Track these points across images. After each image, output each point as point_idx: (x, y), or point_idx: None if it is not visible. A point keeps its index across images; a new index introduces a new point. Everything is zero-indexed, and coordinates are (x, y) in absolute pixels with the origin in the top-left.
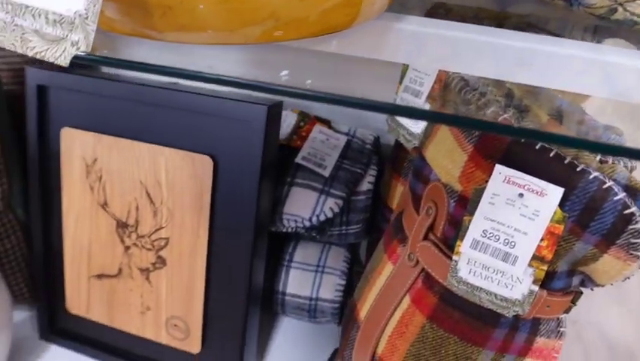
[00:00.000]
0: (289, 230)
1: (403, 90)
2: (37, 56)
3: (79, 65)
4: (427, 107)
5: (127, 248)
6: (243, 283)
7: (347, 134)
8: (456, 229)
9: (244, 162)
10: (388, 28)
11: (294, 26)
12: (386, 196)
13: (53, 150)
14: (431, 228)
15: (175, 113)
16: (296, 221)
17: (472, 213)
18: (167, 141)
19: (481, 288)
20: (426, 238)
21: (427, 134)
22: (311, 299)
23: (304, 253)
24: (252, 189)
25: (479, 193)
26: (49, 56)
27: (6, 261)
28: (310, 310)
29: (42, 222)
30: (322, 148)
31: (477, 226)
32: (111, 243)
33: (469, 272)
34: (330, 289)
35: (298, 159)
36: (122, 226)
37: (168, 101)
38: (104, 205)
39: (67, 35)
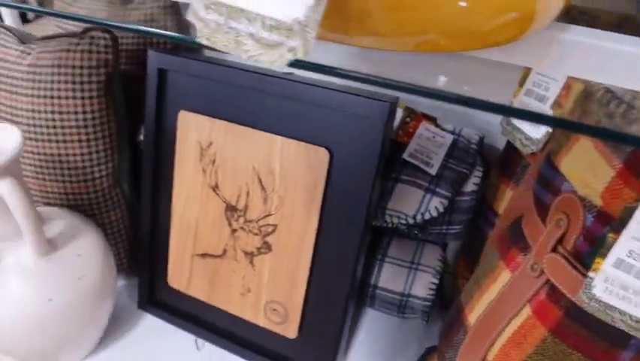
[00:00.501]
0: (390, 225)
1: (524, 93)
2: (252, 60)
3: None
4: (550, 113)
5: (234, 231)
6: (347, 275)
7: (453, 132)
8: (592, 244)
9: (361, 157)
10: (554, 39)
11: (465, 39)
12: (492, 199)
13: (169, 131)
14: (560, 240)
15: (293, 104)
16: (399, 217)
17: (617, 232)
18: (283, 130)
19: (615, 308)
20: (554, 250)
21: (560, 143)
22: (402, 295)
23: (399, 249)
24: (367, 184)
25: (629, 212)
26: (264, 60)
27: (110, 232)
28: (400, 306)
29: (152, 198)
30: (429, 146)
31: (623, 245)
32: (218, 225)
33: (605, 290)
34: (423, 286)
35: (405, 156)
36: (230, 209)
37: (287, 92)
38: (215, 188)
39: (284, 41)
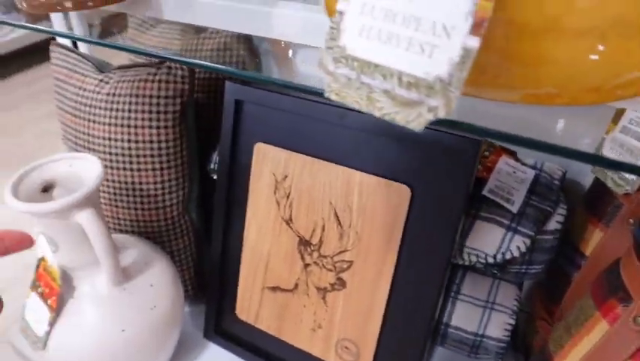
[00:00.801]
0: (468, 264)
1: (619, 130)
2: (386, 118)
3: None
4: None
5: (306, 265)
6: (424, 316)
7: (534, 167)
8: None
9: (446, 194)
10: None
11: (594, 93)
12: (577, 240)
13: (244, 162)
14: None
15: (373, 138)
16: (478, 256)
17: None
18: (362, 165)
19: None
20: None
21: None
22: (476, 335)
23: (473, 286)
24: (451, 223)
25: None
26: (400, 119)
27: (177, 260)
28: (473, 346)
29: (223, 228)
30: (509, 181)
31: None
32: (291, 258)
33: None
34: (498, 327)
35: (485, 192)
36: (304, 243)
37: (367, 126)
38: (289, 221)
39: (423, 100)
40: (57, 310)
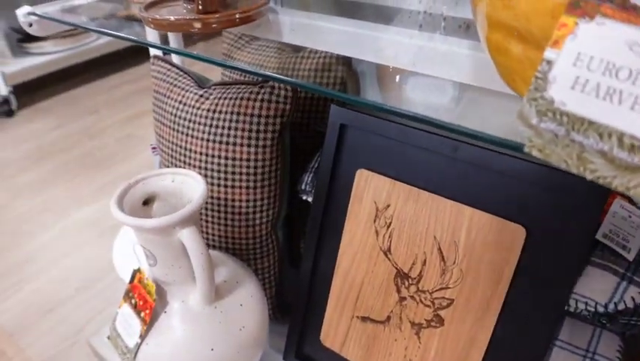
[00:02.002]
0: (573, 310)
1: None
2: (600, 181)
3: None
4: None
5: (402, 299)
6: None
7: None
8: None
9: (565, 238)
10: None
11: None
12: None
13: (343, 187)
14: None
15: (487, 173)
16: (587, 304)
17: None
18: (473, 200)
19: None
20: None
21: None
22: None
23: (572, 333)
24: (570, 271)
25: None
26: (618, 185)
27: (260, 279)
28: None
29: (315, 251)
30: (624, 226)
31: None
32: (385, 290)
33: None
34: None
35: (598, 236)
36: (402, 276)
37: (482, 160)
38: (387, 252)
39: None
40: (149, 324)
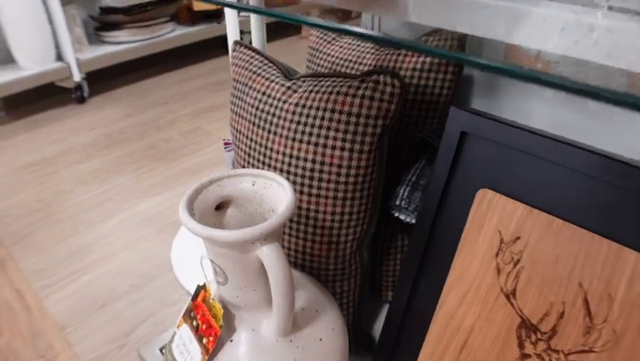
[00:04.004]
0: None
1: None
2: None
3: None
4: None
5: (524, 356)
6: None
7: None
8: None
9: None
10: None
11: None
12: None
13: (457, 208)
14: None
15: None
16: None
17: None
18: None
19: None
20: None
21: None
22: None
23: None
24: None
25: None
26: None
27: (340, 302)
28: None
29: (413, 282)
30: None
31: None
32: (503, 342)
33: None
34: None
35: None
36: (528, 327)
37: None
38: (511, 295)
39: None
40: (212, 354)
